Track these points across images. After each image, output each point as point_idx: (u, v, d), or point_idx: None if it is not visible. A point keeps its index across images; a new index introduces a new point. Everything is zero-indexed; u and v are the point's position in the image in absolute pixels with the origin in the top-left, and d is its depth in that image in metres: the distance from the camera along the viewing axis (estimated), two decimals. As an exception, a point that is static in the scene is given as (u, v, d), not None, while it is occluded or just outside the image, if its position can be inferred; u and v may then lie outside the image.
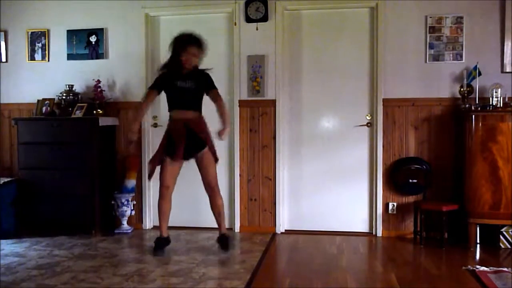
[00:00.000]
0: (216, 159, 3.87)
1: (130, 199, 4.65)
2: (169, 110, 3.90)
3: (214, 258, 3.78)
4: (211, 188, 3.88)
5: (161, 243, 3.93)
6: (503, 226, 4.03)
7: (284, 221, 4.65)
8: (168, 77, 3.85)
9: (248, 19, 4.55)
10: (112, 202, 4.64)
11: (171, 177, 3.86)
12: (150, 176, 3.94)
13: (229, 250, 3.91)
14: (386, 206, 4.47)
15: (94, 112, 4.60)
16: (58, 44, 4.89)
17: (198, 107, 3.87)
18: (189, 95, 3.82)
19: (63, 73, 4.85)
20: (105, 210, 4.61)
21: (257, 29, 4.53)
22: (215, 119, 3.81)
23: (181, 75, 3.82)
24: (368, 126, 4.54)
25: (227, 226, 4.52)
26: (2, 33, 4.97)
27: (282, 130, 4.59)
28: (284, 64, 4.60)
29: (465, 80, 4.20)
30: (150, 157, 4.75)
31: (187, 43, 3.79)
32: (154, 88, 3.92)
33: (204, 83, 3.84)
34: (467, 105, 4.12)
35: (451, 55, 4.34)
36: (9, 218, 4.48)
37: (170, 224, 4.73)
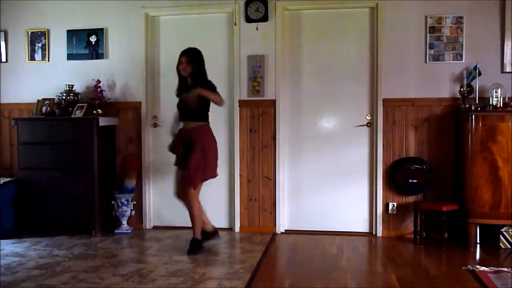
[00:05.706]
0: (207, 175, 3.87)
1: (130, 199, 4.65)
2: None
3: (214, 258, 3.78)
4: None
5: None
6: (503, 226, 4.03)
7: (284, 221, 4.64)
8: (179, 90, 3.99)
9: (248, 19, 4.55)
10: (112, 202, 4.64)
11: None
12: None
13: (190, 254, 3.81)
14: (386, 206, 4.47)
15: (94, 112, 4.59)
16: (58, 44, 4.89)
17: (198, 118, 3.87)
18: (187, 106, 3.83)
19: (63, 73, 4.85)
20: (105, 210, 4.60)
21: (257, 29, 4.53)
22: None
23: (187, 87, 3.89)
24: (368, 126, 4.54)
25: (227, 226, 4.57)
26: (2, 33, 4.97)
27: (282, 130, 4.59)
28: (284, 64, 4.59)
29: (465, 80, 4.20)
30: (150, 157, 4.79)
31: (180, 54, 3.90)
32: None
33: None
34: (467, 105, 4.12)
35: (451, 55, 4.34)
36: (9, 218, 4.48)
37: (170, 224, 4.79)
